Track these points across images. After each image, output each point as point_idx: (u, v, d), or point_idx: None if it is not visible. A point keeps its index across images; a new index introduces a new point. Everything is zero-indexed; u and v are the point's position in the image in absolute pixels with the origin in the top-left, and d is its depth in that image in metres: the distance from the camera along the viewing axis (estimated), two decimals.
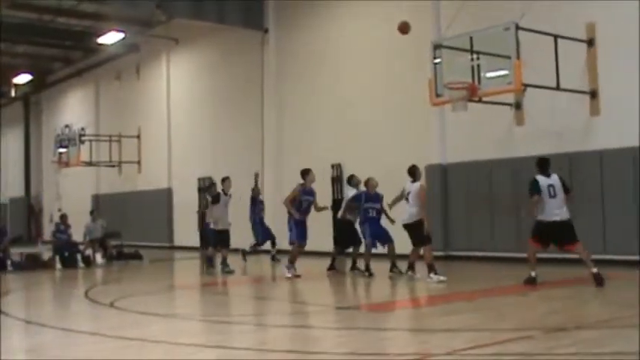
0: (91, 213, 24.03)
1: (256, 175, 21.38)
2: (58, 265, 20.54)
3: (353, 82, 21.96)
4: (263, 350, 7.84)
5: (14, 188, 41.54)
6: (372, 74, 21.35)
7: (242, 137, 26.24)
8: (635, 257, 15.04)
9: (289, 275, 15.47)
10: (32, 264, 20.52)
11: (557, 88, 15.43)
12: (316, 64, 23.34)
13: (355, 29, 22.01)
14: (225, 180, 18.28)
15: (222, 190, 18.11)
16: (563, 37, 15.56)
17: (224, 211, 17.93)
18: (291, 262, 15.77)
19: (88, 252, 21.96)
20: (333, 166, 22.37)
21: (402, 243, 14.80)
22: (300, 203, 16.02)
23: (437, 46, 15.87)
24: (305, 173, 16.25)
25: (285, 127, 24.44)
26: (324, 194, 22.26)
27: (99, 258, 21.68)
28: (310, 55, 23.56)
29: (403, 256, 14.97)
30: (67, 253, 21.00)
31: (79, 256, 21.16)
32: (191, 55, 29.42)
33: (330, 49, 22.88)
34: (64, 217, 22.32)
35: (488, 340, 7.83)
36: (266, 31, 25.01)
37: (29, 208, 41.34)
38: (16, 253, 21.56)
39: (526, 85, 14.75)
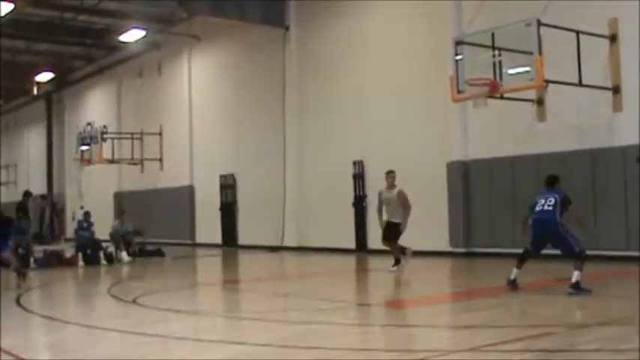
0: (122, 214, 23.99)
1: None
2: (81, 263, 20.66)
3: (375, 79, 21.90)
4: (285, 346, 7.86)
5: (37, 186, 41.77)
6: (393, 71, 21.29)
7: (263, 134, 26.27)
8: None
9: None
10: (55, 261, 20.65)
11: (580, 84, 15.33)
12: (337, 61, 23.31)
13: (377, 26, 21.95)
14: None
15: None
16: (585, 33, 15.45)
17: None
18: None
19: (111, 249, 22.06)
20: (354, 163, 22.34)
21: None
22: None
23: (458, 43, 15.80)
24: None
25: (307, 124, 24.43)
26: (345, 191, 22.33)
27: (124, 255, 21.72)
28: (331, 51, 23.53)
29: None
30: (90, 250, 21.12)
31: (101, 254, 21.24)
32: (212, 52, 29.48)
33: (351, 45, 22.83)
34: (87, 215, 22.46)
35: (510, 336, 7.82)
36: (287, 28, 25.00)
37: (52, 206, 41.61)
38: (38, 250, 21.69)
39: (548, 82, 14.66)
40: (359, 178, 22.33)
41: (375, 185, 21.79)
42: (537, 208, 11.93)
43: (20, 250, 20.34)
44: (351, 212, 22.34)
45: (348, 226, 22.32)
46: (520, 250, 12.24)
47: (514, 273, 11.90)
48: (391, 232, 15.47)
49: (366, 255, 21.17)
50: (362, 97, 22.26)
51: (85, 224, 22.08)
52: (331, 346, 7.79)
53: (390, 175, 15.83)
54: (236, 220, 27.75)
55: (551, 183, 12.42)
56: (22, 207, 26.07)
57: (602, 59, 16.06)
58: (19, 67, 35.54)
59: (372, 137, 21.83)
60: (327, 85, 23.63)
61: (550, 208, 11.76)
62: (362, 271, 18.21)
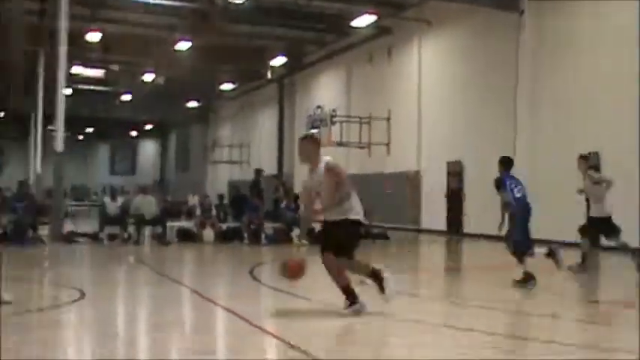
0: None
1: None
2: (304, 241, 21.15)
3: (616, 63, 20.58)
4: (512, 337, 7.56)
5: (267, 166, 43.42)
6: (633, 55, 20.00)
7: (493, 122, 25.62)
8: None
9: None
10: (283, 238, 21.34)
11: None
12: (575, 45, 22.19)
13: (619, 5, 20.70)
14: None
15: None
16: None
17: None
18: None
19: None
20: (589, 154, 21.27)
21: None
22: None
23: None
24: None
25: (540, 114, 23.51)
26: (577, 183, 21.36)
27: None
28: (568, 35, 22.43)
29: None
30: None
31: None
32: (443, 37, 29.17)
33: (592, 29, 21.65)
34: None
35: None
36: (522, 12, 24.19)
37: (282, 185, 43.08)
38: (268, 227, 22.49)
39: None
40: (594, 170, 21.23)
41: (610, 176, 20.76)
42: (518, 195, 11.50)
43: (252, 227, 21.26)
44: (582, 205, 21.38)
45: (578, 218, 21.37)
46: None
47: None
48: None
49: (597, 249, 20.17)
50: (601, 83, 20.95)
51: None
52: (563, 341, 7.40)
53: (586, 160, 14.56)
54: (462, 207, 27.36)
55: (511, 165, 11.85)
56: (255, 185, 27.12)
57: None
58: (255, 52, 37.06)
59: (611, 127, 20.63)
60: (563, 71, 22.57)
61: (526, 194, 12.23)
62: (593, 267, 17.36)
